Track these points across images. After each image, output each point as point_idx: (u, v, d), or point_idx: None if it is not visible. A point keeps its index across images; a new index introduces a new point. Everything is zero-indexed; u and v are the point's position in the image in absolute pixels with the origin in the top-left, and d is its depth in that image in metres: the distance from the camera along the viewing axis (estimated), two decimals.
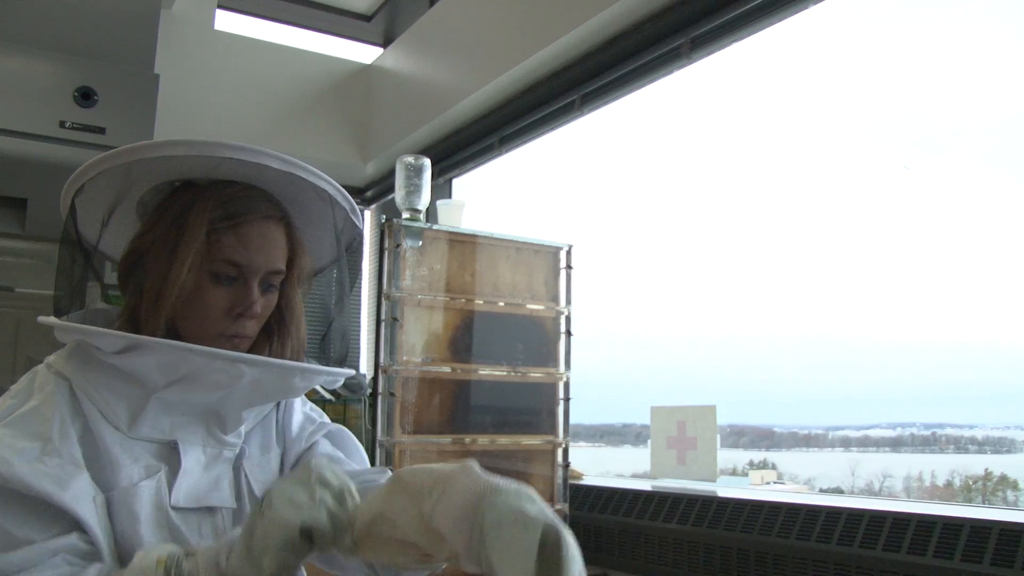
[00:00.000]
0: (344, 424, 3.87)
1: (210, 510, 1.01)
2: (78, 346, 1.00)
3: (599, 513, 2.69)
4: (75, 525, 0.90)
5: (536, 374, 2.71)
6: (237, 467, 1.06)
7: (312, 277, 1.16)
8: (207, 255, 1.01)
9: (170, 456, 1.00)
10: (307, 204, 1.11)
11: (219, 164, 1.01)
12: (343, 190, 1.10)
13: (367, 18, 4.45)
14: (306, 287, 1.15)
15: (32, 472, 0.88)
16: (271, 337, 1.11)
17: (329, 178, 1.08)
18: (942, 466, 3.05)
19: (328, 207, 1.11)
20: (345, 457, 1.16)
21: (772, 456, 3.59)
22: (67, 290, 1.05)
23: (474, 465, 0.81)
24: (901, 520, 1.91)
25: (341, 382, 1.10)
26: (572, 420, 2.77)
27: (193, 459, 1.01)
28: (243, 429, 1.08)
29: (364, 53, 4.43)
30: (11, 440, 0.89)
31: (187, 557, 0.86)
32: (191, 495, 0.99)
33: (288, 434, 1.14)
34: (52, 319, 0.99)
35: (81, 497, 0.90)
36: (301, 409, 1.18)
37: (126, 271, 1.04)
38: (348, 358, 1.18)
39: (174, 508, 0.97)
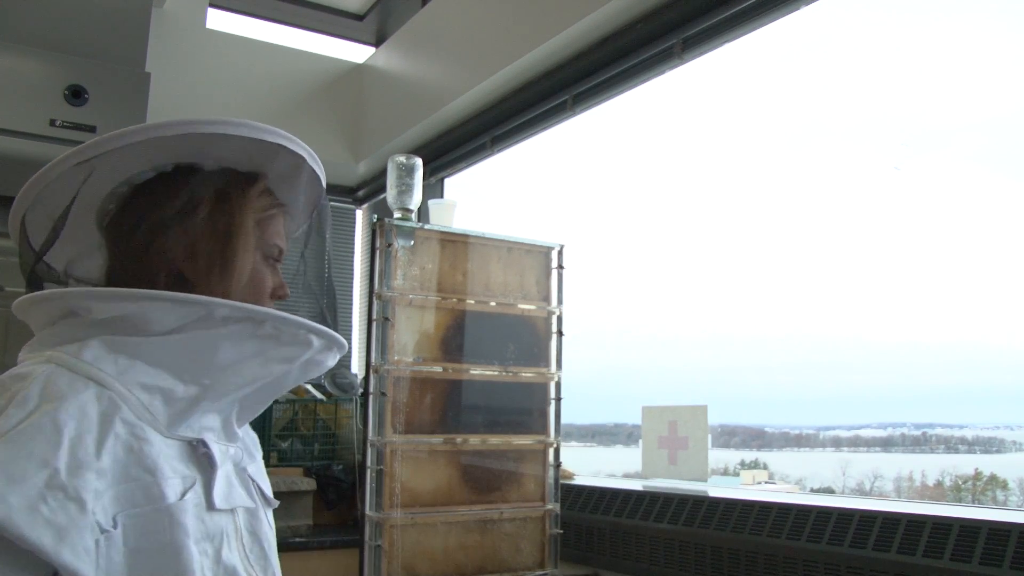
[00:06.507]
0: (335, 424, 3.81)
1: (232, 510, 0.97)
2: (93, 332, 0.91)
3: (590, 513, 2.69)
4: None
5: (527, 374, 2.71)
6: (239, 465, 1.02)
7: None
8: (261, 237, 1.04)
9: (191, 455, 0.94)
10: (306, 192, 1.14)
11: (277, 152, 1.02)
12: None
13: (359, 17, 4.45)
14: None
15: (30, 520, 0.76)
16: None
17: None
18: (932, 466, 3.06)
19: (321, 195, 1.15)
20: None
21: (763, 456, 3.60)
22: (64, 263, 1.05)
23: None
24: (891, 520, 1.92)
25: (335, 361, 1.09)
26: (563, 420, 2.76)
27: (218, 459, 0.96)
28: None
29: (356, 52, 4.43)
30: (11, 466, 0.77)
31: None
32: (223, 496, 0.95)
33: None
34: (101, 288, 0.96)
35: (81, 550, 0.79)
36: None
37: (143, 247, 1.00)
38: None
39: (209, 511, 0.93)
